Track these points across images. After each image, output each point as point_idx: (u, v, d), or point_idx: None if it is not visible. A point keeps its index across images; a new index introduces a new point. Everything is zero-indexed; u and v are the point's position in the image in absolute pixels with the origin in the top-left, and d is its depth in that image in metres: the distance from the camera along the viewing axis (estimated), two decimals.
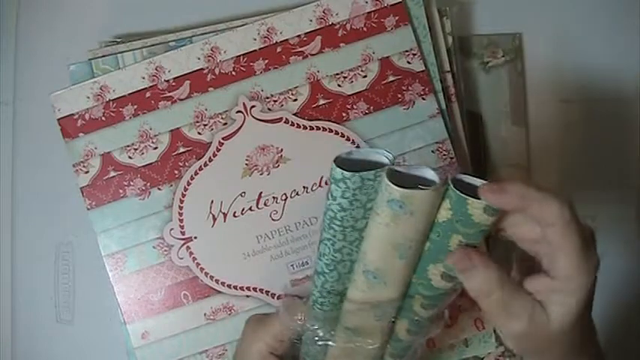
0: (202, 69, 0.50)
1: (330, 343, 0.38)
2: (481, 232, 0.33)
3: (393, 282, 0.35)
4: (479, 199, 0.32)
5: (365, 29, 0.50)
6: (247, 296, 0.49)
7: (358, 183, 0.32)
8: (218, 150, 0.50)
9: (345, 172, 0.32)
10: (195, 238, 0.50)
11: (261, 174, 0.50)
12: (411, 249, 0.34)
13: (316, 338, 0.38)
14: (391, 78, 0.50)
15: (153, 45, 0.52)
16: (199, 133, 0.50)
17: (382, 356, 0.40)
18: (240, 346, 0.41)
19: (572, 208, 0.31)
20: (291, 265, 0.49)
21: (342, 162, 0.32)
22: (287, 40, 0.50)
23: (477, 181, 0.32)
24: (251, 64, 0.50)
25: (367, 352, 0.38)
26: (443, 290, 0.36)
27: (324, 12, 0.50)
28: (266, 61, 0.50)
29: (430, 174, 0.33)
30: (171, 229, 0.50)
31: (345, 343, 0.38)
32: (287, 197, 0.49)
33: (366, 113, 0.50)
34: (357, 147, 0.49)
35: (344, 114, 0.50)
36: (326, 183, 0.49)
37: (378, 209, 0.33)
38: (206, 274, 0.49)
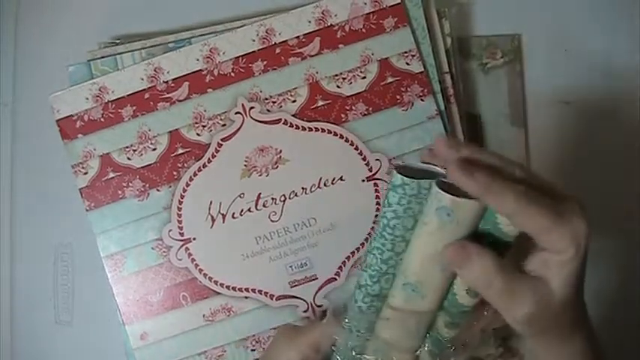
0: (201, 70, 0.50)
1: (365, 356, 0.38)
2: (506, 243, 0.34)
3: (431, 295, 0.36)
4: None
5: (364, 30, 0.50)
6: (246, 297, 0.49)
7: (415, 190, 0.33)
8: (217, 151, 0.50)
9: (405, 177, 0.33)
10: (194, 239, 0.50)
11: (260, 175, 0.50)
12: None
13: (350, 345, 0.38)
14: (390, 79, 0.50)
15: (152, 46, 0.52)
16: (198, 134, 0.50)
17: None
18: (267, 356, 0.40)
19: (526, 197, 0.31)
20: (290, 267, 0.49)
21: (400, 170, 0.34)
22: (286, 41, 0.50)
23: None
24: (250, 65, 0.50)
25: None
26: (466, 307, 0.36)
27: (322, 13, 0.50)
28: (265, 62, 0.50)
29: None
30: (170, 230, 0.50)
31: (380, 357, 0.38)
32: (286, 198, 0.49)
33: (365, 114, 0.50)
34: (358, 146, 0.49)
35: (343, 115, 0.50)
36: (325, 184, 0.49)
37: (425, 218, 0.33)
38: (205, 275, 0.49)
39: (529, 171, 0.34)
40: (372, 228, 0.49)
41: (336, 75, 0.50)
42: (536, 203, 0.31)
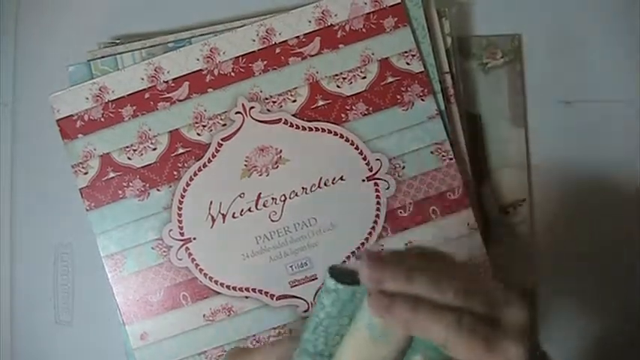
0: (201, 70, 0.50)
1: None
2: (438, 351, 0.33)
3: None
4: None
5: (364, 30, 0.50)
6: (246, 297, 0.49)
7: (348, 295, 0.33)
8: (217, 151, 0.50)
9: (338, 284, 0.32)
10: (194, 239, 0.50)
11: (260, 175, 0.50)
12: None
13: None
14: (390, 79, 0.50)
15: (152, 46, 0.52)
16: (198, 134, 0.50)
17: None
18: None
19: (456, 328, 0.30)
20: (290, 266, 0.49)
21: (335, 271, 0.33)
22: (286, 41, 0.50)
23: None
24: (250, 65, 0.50)
25: None
26: None
27: (323, 13, 0.50)
28: (265, 62, 0.50)
29: None
30: (170, 230, 0.50)
31: None
32: (286, 198, 0.49)
33: (365, 114, 0.50)
34: (358, 146, 0.49)
35: (343, 115, 0.50)
36: (325, 184, 0.49)
37: (357, 324, 0.33)
38: (205, 275, 0.49)
39: (469, 291, 0.31)
40: (370, 233, 0.49)
41: (337, 75, 0.50)
42: (469, 332, 0.30)
